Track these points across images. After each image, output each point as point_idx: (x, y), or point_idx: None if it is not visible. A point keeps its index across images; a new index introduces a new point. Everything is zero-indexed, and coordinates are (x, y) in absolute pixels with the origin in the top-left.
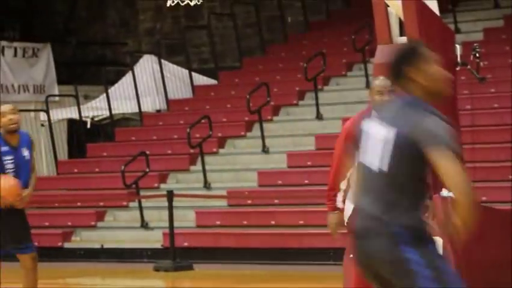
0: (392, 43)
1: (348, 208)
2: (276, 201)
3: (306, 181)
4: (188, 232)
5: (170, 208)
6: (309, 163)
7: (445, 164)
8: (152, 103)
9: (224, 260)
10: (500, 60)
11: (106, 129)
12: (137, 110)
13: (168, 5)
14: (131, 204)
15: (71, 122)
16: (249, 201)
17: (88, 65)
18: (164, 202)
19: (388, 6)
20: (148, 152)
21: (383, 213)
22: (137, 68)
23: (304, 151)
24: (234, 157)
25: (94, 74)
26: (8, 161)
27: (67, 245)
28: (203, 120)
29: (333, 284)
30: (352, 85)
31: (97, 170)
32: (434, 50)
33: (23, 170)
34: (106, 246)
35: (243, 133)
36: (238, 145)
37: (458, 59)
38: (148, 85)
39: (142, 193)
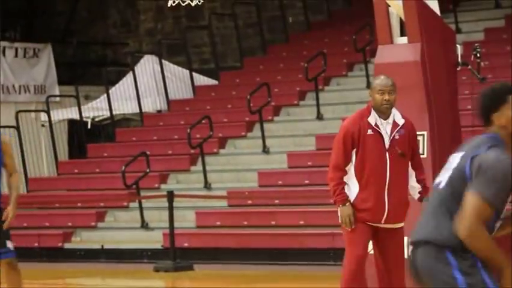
0: (393, 43)
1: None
2: (277, 201)
3: (307, 181)
4: (189, 232)
5: (171, 208)
6: (309, 163)
7: (466, 203)
8: (152, 103)
9: (224, 260)
10: (501, 60)
11: (106, 130)
12: (137, 111)
13: (169, 5)
14: (132, 204)
15: (71, 123)
16: (250, 202)
17: (89, 66)
18: (164, 202)
19: (389, 6)
20: (148, 153)
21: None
22: (138, 68)
23: (304, 151)
24: (234, 157)
25: (95, 75)
26: None
27: (67, 245)
28: (204, 121)
29: (334, 284)
30: (353, 85)
31: (97, 170)
32: (435, 50)
33: None
34: (106, 246)
35: (243, 133)
36: (238, 145)
37: (459, 59)
38: (149, 85)
39: (143, 193)
